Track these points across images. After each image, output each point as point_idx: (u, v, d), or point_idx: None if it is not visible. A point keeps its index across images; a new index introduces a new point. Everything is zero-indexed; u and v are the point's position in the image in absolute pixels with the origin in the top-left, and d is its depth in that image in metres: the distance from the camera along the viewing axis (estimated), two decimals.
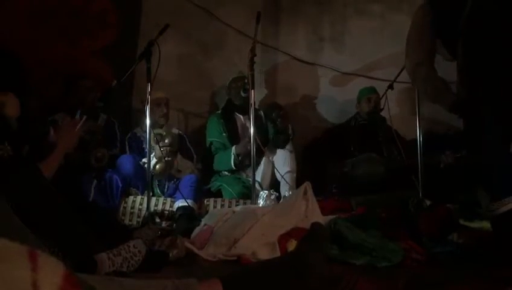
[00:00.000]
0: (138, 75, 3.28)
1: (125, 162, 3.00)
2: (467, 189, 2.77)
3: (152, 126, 2.83)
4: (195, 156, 3.41)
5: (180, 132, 3.47)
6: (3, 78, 1.82)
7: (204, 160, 3.50)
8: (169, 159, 3.07)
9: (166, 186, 3.15)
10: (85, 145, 2.73)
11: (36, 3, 3.38)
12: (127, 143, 3.24)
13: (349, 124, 3.70)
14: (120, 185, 2.90)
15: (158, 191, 3.12)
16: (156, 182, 3.12)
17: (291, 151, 3.37)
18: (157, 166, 3.00)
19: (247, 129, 3.31)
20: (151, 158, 2.91)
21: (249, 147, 3.15)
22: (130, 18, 3.69)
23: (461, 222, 2.15)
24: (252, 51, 2.81)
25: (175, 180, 3.14)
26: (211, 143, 3.50)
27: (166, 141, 3.09)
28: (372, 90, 3.64)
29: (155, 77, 2.72)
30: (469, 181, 2.76)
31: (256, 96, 2.99)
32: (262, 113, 3.57)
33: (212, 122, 3.56)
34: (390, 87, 3.37)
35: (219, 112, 3.61)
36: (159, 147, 2.98)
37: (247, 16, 3.49)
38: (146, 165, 2.81)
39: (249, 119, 2.92)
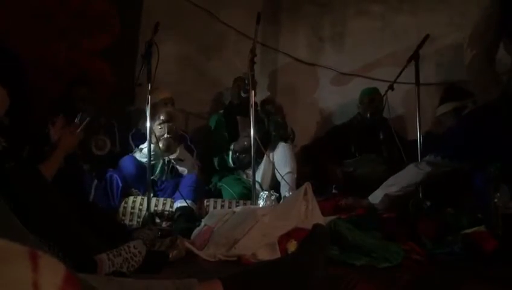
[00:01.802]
0: (140, 75, 3.27)
1: (128, 163, 3.00)
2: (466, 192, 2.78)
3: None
4: (195, 152, 3.40)
5: (181, 131, 3.44)
6: (4, 78, 1.82)
7: (205, 159, 3.50)
8: (170, 136, 3.04)
9: (162, 183, 3.14)
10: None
11: (36, 4, 3.38)
12: (130, 139, 3.23)
13: (351, 124, 3.69)
14: (120, 184, 2.91)
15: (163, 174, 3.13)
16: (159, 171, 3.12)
17: (291, 150, 3.37)
18: (160, 144, 2.98)
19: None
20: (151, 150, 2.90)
21: (246, 143, 3.15)
22: (130, 18, 3.69)
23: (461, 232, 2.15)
24: (252, 52, 2.81)
25: (173, 175, 3.13)
26: (212, 139, 3.49)
27: (161, 117, 3.06)
28: (375, 90, 3.63)
29: (154, 77, 2.74)
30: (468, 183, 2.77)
31: (257, 97, 3.00)
32: (264, 116, 3.55)
33: (213, 120, 3.59)
34: (391, 87, 3.37)
35: (221, 111, 3.62)
36: (157, 125, 2.98)
37: (247, 16, 3.49)
38: (146, 160, 2.83)
39: (250, 120, 2.91)
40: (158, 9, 3.74)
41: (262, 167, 3.38)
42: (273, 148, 3.39)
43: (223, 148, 3.44)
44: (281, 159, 3.33)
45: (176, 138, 3.13)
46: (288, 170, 3.30)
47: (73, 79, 3.14)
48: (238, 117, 3.53)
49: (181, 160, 3.15)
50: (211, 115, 3.73)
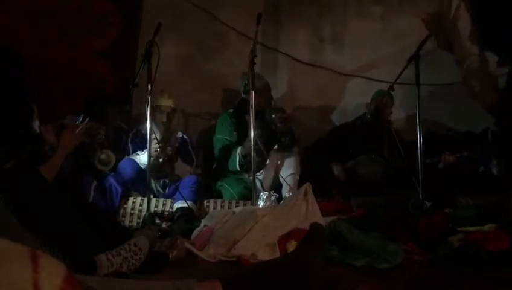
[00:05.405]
0: (139, 75, 3.27)
1: (127, 167, 2.99)
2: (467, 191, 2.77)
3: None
4: (195, 161, 3.37)
5: (184, 135, 3.41)
6: (5, 78, 1.82)
7: (207, 159, 3.48)
8: (161, 160, 3.06)
9: (162, 183, 3.14)
10: (85, 149, 2.71)
11: (36, 3, 3.38)
12: (129, 140, 3.22)
13: (354, 125, 3.69)
14: (119, 190, 2.90)
15: (158, 188, 3.13)
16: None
17: (296, 154, 3.37)
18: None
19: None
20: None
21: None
22: (130, 18, 3.70)
23: (459, 229, 2.13)
24: (253, 52, 2.80)
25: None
26: (220, 140, 3.45)
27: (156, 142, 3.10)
28: (384, 93, 3.60)
29: (155, 78, 2.74)
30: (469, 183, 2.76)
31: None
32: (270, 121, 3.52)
33: (223, 120, 3.50)
34: (391, 88, 3.36)
35: (231, 110, 3.56)
36: (156, 144, 2.99)
37: (248, 17, 3.49)
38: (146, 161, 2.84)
39: (256, 120, 2.88)
40: (158, 10, 3.74)
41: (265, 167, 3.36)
42: (279, 151, 3.37)
43: (230, 149, 3.39)
44: (285, 161, 3.32)
45: (170, 159, 3.14)
46: (291, 171, 3.29)
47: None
48: (247, 117, 3.51)
49: (177, 175, 3.16)
50: (221, 114, 3.66)
